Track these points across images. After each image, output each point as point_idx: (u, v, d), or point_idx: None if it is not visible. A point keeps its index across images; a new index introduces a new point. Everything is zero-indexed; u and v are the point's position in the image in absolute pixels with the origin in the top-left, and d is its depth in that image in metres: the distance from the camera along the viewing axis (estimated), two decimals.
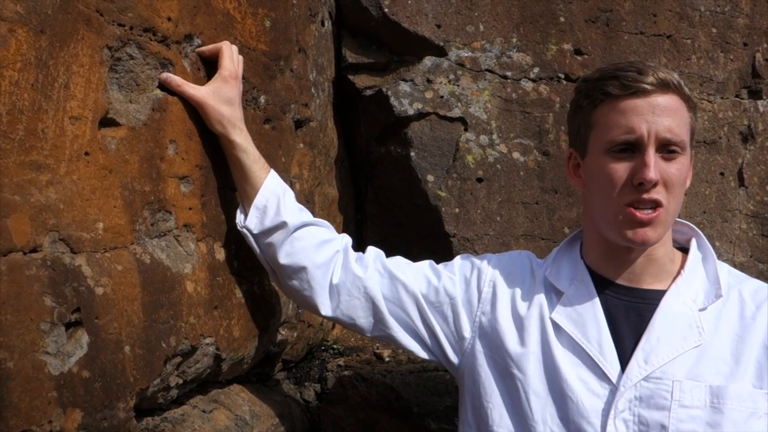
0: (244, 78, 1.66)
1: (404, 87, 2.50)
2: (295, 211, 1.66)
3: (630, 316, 1.48)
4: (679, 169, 1.44)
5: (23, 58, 1.13)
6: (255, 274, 1.77)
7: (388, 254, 1.73)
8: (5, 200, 1.10)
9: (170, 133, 1.48)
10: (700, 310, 1.47)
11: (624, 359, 1.44)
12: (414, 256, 1.74)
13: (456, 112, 2.53)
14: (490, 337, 1.56)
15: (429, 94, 2.52)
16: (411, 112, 2.50)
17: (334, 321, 1.74)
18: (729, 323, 1.46)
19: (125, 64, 1.38)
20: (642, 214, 1.42)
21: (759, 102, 2.90)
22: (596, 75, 1.50)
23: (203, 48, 1.59)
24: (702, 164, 2.80)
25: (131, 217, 1.36)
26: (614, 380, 1.43)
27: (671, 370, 1.41)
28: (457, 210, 2.53)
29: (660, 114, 1.41)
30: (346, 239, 1.72)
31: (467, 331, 1.60)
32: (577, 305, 1.51)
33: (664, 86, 1.42)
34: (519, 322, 1.55)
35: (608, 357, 1.45)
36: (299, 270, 1.64)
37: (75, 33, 1.24)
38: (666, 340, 1.43)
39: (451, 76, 2.55)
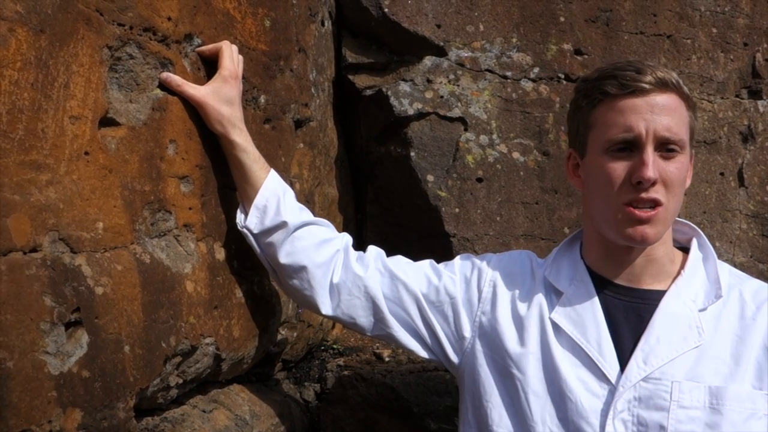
0: (244, 78, 1.66)
1: (404, 87, 2.50)
2: (295, 211, 1.66)
3: (629, 316, 1.48)
4: (678, 168, 1.43)
5: (23, 57, 1.13)
6: (255, 273, 1.77)
7: (389, 254, 1.73)
8: (5, 200, 1.10)
9: (170, 132, 1.48)
10: (700, 310, 1.47)
11: (623, 360, 1.44)
12: (414, 256, 1.74)
13: (456, 112, 2.53)
14: (490, 336, 1.56)
15: (429, 94, 2.52)
16: (411, 112, 2.50)
17: (335, 320, 1.74)
18: (729, 324, 1.45)
19: (125, 63, 1.38)
20: (641, 213, 1.42)
21: (759, 102, 2.90)
22: (595, 75, 1.50)
23: (203, 48, 1.59)
24: (702, 164, 2.80)
25: (131, 216, 1.37)
26: (613, 380, 1.43)
27: (670, 370, 1.41)
28: (457, 210, 2.53)
29: (658, 113, 1.41)
30: (347, 238, 1.72)
31: (467, 331, 1.60)
32: (576, 305, 1.51)
33: (663, 85, 1.42)
34: (519, 322, 1.55)
35: (607, 357, 1.45)
36: (300, 269, 1.64)
37: (75, 32, 1.24)
38: (665, 340, 1.43)
39: (451, 76, 2.55)
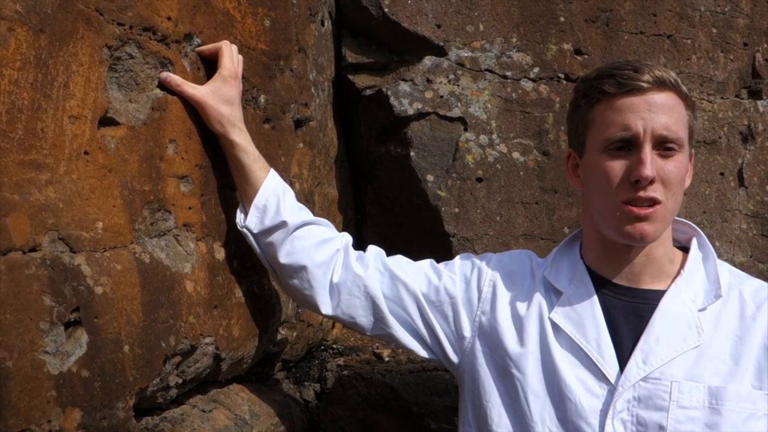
0: (243, 77, 1.66)
1: (404, 87, 2.50)
2: (295, 211, 1.66)
3: (629, 316, 1.48)
4: (677, 166, 1.43)
5: (23, 57, 1.13)
6: (254, 273, 1.77)
7: (388, 254, 1.73)
8: (4, 199, 1.10)
9: (170, 132, 1.48)
10: (700, 310, 1.47)
11: (623, 359, 1.44)
12: (414, 256, 1.74)
13: (456, 112, 2.53)
14: (490, 336, 1.56)
15: (429, 94, 2.52)
16: (411, 111, 2.50)
17: (335, 320, 1.74)
18: (729, 323, 1.45)
19: (125, 63, 1.38)
20: (639, 210, 1.41)
21: (759, 102, 2.90)
22: (593, 74, 1.50)
23: (203, 47, 1.59)
24: (702, 164, 2.80)
25: (131, 216, 1.37)
26: (613, 380, 1.42)
27: (670, 370, 1.41)
28: (456, 210, 2.53)
29: (656, 111, 1.41)
30: (347, 238, 1.72)
31: (467, 331, 1.60)
32: (576, 305, 1.51)
33: (661, 84, 1.42)
34: (518, 322, 1.55)
35: (607, 357, 1.44)
36: (299, 269, 1.64)
37: (74, 32, 1.24)
38: (665, 340, 1.43)
39: (451, 76, 2.55)
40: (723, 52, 2.85)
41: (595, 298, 1.50)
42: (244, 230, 1.65)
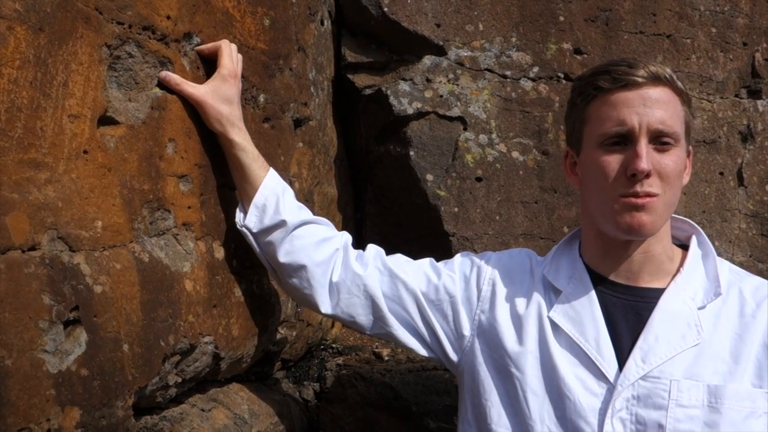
0: (243, 77, 1.66)
1: (404, 86, 2.51)
2: (294, 210, 1.66)
3: (628, 314, 1.48)
4: (674, 161, 1.43)
5: (22, 56, 1.13)
6: (254, 272, 1.77)
7: (388, 253, 1.73)
8: (4, 198, 1.10)
9: (169, 131, 1.48)
10: (699, 308, 1.46)
11: (622, 358, 1.44)
12: (413, 255, 1.74)
13: (455, 112, 2.53)
14: (489, 335, 1.56)
15: (428, 94, 2.52)
16: (410, 111, 2.50)
17: (334, 319, 1.74)
18: (728, 322, 1.45)
19: (124, 62, 1.38)
20: (637, 199, 1.41)
21: (758, 102, 2.90)
22: (589, 72, 1.51)
23: (202, 46, 1.59)
24: (701, 164, 2.80)
25: (130, 215, 1.36)
26: (612, 379, 1.42)
27: (669, 369, 1.41)
28: (456, 209, 2.53)
29: (651, 106, 1.41)
30: (346, 237, 1.72)
31: (467, 330, 1.60)
32: (575, 304, 1.51)
33: (656, 79, 1.43)
34: (517, 321, 1.55)
35: (606, 356, 1.44)
36: (299, 268, 1.64)
37: (74, 31, 1.24)
38: (664, 338, 1.42)
39: (451, 76, 2.55)
40: (722, 52, 2.85)
41: (594, 296, 1.50)
42: (244, 229, 1.65)
